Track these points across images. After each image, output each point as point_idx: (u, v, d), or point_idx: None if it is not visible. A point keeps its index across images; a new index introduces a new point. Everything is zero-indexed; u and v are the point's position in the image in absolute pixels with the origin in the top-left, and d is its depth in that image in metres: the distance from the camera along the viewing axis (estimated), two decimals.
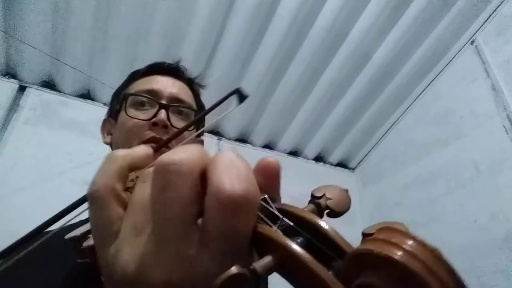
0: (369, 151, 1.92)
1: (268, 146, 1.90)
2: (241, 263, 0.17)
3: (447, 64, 1.54)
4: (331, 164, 1.99)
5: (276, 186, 0.22)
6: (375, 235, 0.16)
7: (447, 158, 1.41)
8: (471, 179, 1.28)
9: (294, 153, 1.94)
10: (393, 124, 1.79)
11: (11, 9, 1.32)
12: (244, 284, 0.17)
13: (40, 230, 0.34)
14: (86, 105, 1.59)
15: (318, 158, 1.97)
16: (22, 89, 1.51)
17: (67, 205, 0.35)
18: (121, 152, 0.24)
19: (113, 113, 0.71)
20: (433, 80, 1.60)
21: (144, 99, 0.65)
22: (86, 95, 1.61)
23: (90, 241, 0.37)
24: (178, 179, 0.19)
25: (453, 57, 1.51)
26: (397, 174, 1.68)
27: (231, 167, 0.19)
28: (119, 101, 0.69)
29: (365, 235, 0.17)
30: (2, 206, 1.22)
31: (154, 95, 0.65)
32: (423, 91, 1.64)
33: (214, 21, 1.38)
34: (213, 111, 0.46)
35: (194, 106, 0.72)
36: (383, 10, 1.38)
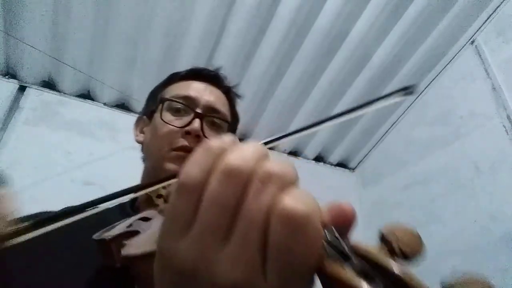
0: (369, 151, 1.92)
1: None
2: None
3: (447, 64, 1.54)
4: (331, 164, 1.99)
5: (348, 233, 0.22)
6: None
7: (447, 158, 1.41)
8: (471, 179, 1.27)
9: (294, 153, 1.94)
10: (393, 124, 1.79)
11: (11, 9, 1.32)
12: None
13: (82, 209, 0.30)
14: (86, 105, 1.59)
15: (318, 158, 1.97)
16: (22, 89, 1.51)
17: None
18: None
19: (148, 113, 0.71)
20: (433, 80, 1.60)
21: (180, 105, 0.65)
22: (86, 95, 1.61)
23: (130, 250, 0.35)
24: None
25: (453, 57, 1.51)
26: (397, 174, 1.67)
27: (299, 192, 0.20)
28: (155, 102, 0.69)
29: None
30: None
31: (190, 102, 0.65)
32: (423, 91, 1.64)
33: (214, 21, 1.38)
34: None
35: (229, 117, 0.71)
36: (383, 10, 1.38)
